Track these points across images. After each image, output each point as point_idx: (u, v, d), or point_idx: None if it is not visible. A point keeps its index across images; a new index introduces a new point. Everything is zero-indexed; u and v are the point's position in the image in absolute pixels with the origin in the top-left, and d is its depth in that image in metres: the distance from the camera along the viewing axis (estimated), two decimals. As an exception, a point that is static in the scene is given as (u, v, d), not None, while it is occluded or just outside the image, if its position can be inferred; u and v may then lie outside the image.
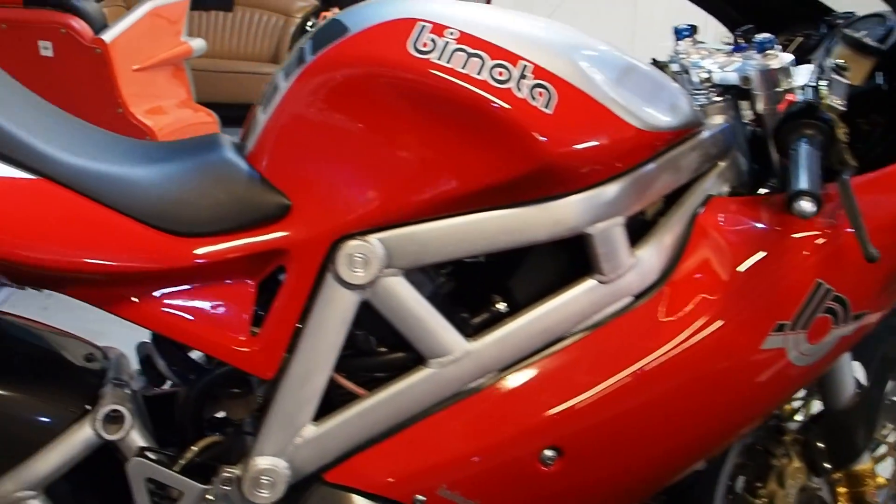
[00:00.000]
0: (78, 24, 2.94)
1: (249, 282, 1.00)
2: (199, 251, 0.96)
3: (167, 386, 1.09)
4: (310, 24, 5.29)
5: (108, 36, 2.97)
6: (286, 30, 5.27)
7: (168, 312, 0.97)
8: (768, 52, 1.03)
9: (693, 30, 1.25)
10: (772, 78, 1.03)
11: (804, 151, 0.97)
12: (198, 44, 3.57)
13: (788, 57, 1.04)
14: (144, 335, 1.04)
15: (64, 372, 1.07)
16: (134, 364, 1.10)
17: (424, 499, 1.01)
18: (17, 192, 0.89)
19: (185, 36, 3.53)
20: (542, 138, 0.96)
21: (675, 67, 1.24)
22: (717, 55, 1.17)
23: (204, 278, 0.98)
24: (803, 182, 0.93)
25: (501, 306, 1.06)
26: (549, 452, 1.02)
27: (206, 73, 4.25)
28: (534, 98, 0.95)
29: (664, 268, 1.07)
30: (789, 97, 1.04)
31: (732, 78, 1.09)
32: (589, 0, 8.16)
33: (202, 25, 5.24)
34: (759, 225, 1.08)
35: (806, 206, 0.93)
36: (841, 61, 1.09)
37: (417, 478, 1.02)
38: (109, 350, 1.13)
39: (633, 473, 1.09)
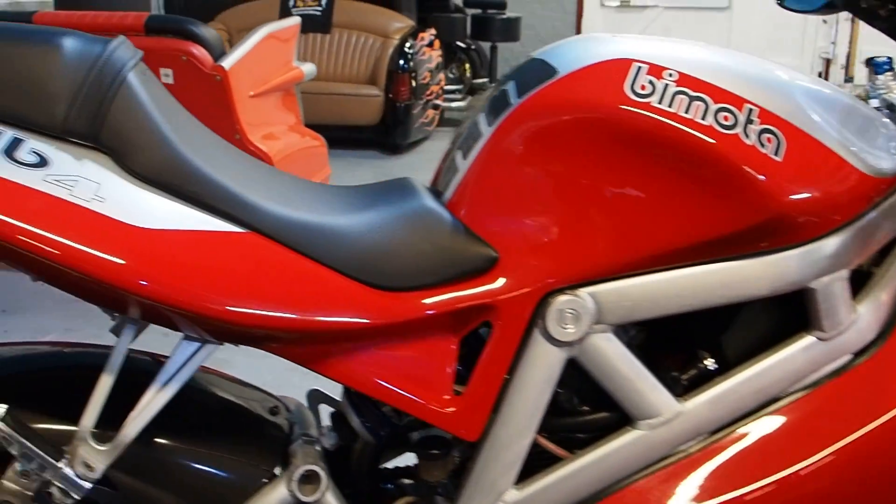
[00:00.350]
0: (198, 51, 2.98)
1: (451, 338, 0.95)
2: (405, 306, 0.91)
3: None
4: (408, 45, 5.30)
5: (227, 62, 2.99)
6: (384, 51, 5.28)
7: (368, 369, 0.93)
8: None
9: (892, 62, 1.17)
10: None
11: None
12: (308, 68, 3.59)
13: None
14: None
15: (251, 427, 1.03)
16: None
17: None
18: (227, 246, 0.86)
19: (295, 60, 3.55)
20: (772, 188, 0.89)
21: (874, 103, 1.15)
22: None
23: (406, 334, 0.93)
24: None
25: (710, 363, 0.99)
26: (766, 523, 0.94)
27: (307, 95, 4.29)
28: (762, 145, 0.89)
29: (883, 324, 0.99)
30: None
31: None
32: (682, 15, 8.05)
33: (300, 48, 5.30)
34: None
35: None
36: None
37: None
38: (288, 400, 1.09)
39: None
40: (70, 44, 0.84)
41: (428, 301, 0.92)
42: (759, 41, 7.97)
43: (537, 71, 0.96)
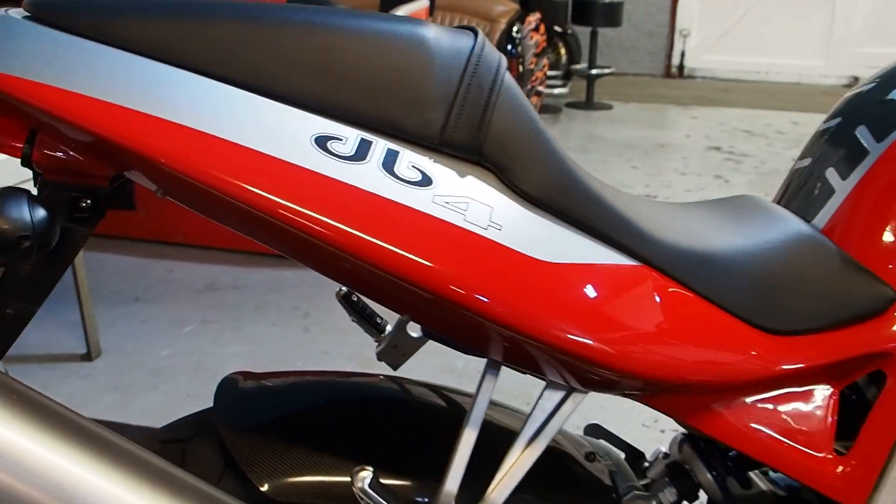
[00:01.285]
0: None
1: (834, 388, 0.83)
2: (795, 353, 0.79)
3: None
4: (515, 29, 5.15)
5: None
6: (491, 35, 5.14)
7: (742, 421, 0.81)
8: None
9: None
10: None
11: None
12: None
13: None
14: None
15: (578, 481, 0.92)
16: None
17: None
18: (621, 281, 0.74)
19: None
20: None
21: None
22: None
23: (787, 384, 0.81)
24: None
25: None
26: None
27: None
28: None
29: None
30: None
31: None
32: (782, 2, 7.76)
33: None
34: None
35: None
36: None
37: None
38: (596, 444, 0.98)
39: None
40: (438, 36, 0.70)
41: (819, 347, 0.80)
42: (862, 30, 7.67)
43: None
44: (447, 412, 0.93)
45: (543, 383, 0.80)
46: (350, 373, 1.00)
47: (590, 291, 0.72)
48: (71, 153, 0.70)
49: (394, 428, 0.88)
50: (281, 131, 0.64)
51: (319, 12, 0.69)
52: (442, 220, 0.67)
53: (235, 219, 0.71)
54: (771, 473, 0.93)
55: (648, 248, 0.75)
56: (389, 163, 0.66)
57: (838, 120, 0.91)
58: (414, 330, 0.96)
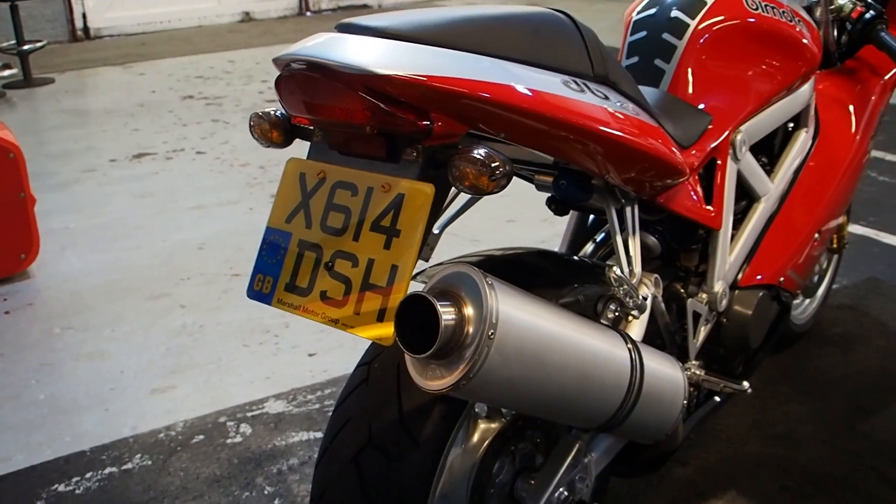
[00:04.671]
0: None
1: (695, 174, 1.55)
2: (688, 156, 1.48)
3: None
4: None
5: None
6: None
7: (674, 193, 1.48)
8: None
9: None
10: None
11: (888, 36, 1.83)
12: None
13: None
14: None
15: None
16: None
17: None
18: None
19: None
20: (812, 47, 1.67)
21: None
22: None
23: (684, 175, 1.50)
24: None
25: (767, 161, 1.76)
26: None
27: None
28: (803, 27, 1.66)
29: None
30: (859, 8, 1.88)
31: None
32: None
33: None
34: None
35: None
36: None
37: None
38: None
39: None
40: (562, 18, 1.17)
41: (695, 154, 1.51)
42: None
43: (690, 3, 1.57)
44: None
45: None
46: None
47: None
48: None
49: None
50: (548, 82, 1.09)
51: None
52: (605, 107, 1.17)
53: (537, 133, 1.07)
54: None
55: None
56: (585, 88, 1.15)
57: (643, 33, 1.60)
58: (437, 227, 1.41)
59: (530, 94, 1.02)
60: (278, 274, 1.07)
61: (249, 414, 2.20)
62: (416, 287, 1.02)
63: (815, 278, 2.35)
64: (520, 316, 0.96)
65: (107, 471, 1.99)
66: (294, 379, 2.36)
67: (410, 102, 0.96)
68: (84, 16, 7.93)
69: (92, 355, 2.53)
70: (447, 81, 0.95)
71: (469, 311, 0.93)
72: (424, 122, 0.97)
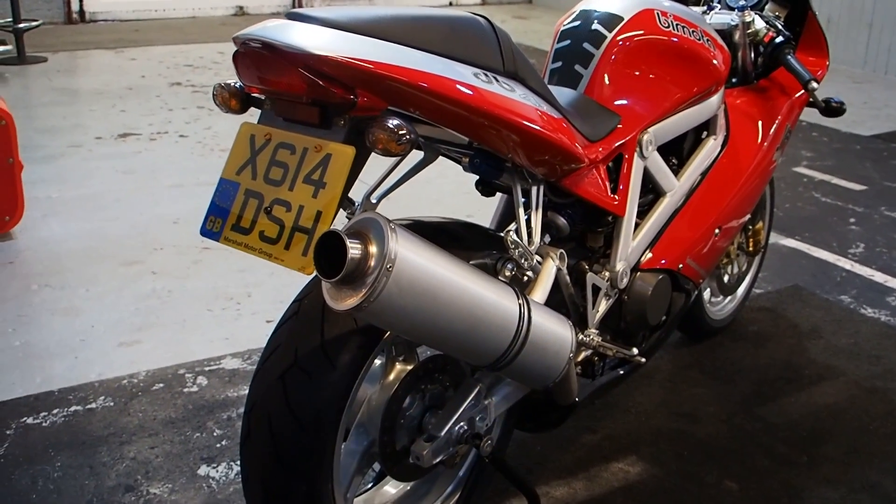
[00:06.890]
0: None
1: (602, 166, 1.77)
2: (594, 149, 1.71)
3: None
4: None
5: None
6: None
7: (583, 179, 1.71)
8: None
9: None
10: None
11: (794, 60, 2.07)
12: None
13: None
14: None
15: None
16: None
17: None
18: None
19: None
20: (719, 65, 1.91)
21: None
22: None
23: (592, 163, 1.73)
24: (807, 74, 2.03)
25: (676, 161, 2.00)
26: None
27: None
28: (711, 46, 1.89)
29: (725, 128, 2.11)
30: (770, 34, 2.13)
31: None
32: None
33: None
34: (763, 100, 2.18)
35: (815, 84, 2.03)
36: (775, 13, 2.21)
37: None
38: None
39: None
40: (479, 20, 1.42)
41: (601, 148, 1.73)
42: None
43: (610, 18, 1.80)
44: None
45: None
46: None
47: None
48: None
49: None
50: (458, 71, 1.31)
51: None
52: (509, 97, 1.39)
53: (447, 114, 1.28)
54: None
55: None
56: (494, 80, 1.37)
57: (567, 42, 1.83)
58: (374, 198, 1.63)
59: (440, 79, 1.24)
60: (227, 216, 1.29)
61: (207, 368, 2.41)
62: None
63: (728, 278, 2.58)
64: (416, 256, 1.18)
65: (72, 409, 2.19)
66: (251, 341, 2.56)
67: (340, 80, 1.18)
68: (80, -1, 8.11)
69: (66, 311, 2.73)
70: (370, 64, 1.17)
71: (373, 248, 1.15)
72: (351, 97, 1.18)
